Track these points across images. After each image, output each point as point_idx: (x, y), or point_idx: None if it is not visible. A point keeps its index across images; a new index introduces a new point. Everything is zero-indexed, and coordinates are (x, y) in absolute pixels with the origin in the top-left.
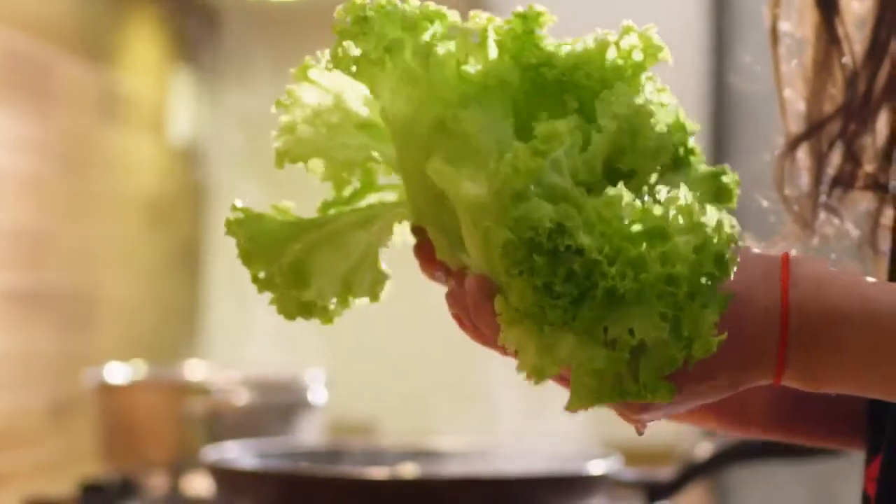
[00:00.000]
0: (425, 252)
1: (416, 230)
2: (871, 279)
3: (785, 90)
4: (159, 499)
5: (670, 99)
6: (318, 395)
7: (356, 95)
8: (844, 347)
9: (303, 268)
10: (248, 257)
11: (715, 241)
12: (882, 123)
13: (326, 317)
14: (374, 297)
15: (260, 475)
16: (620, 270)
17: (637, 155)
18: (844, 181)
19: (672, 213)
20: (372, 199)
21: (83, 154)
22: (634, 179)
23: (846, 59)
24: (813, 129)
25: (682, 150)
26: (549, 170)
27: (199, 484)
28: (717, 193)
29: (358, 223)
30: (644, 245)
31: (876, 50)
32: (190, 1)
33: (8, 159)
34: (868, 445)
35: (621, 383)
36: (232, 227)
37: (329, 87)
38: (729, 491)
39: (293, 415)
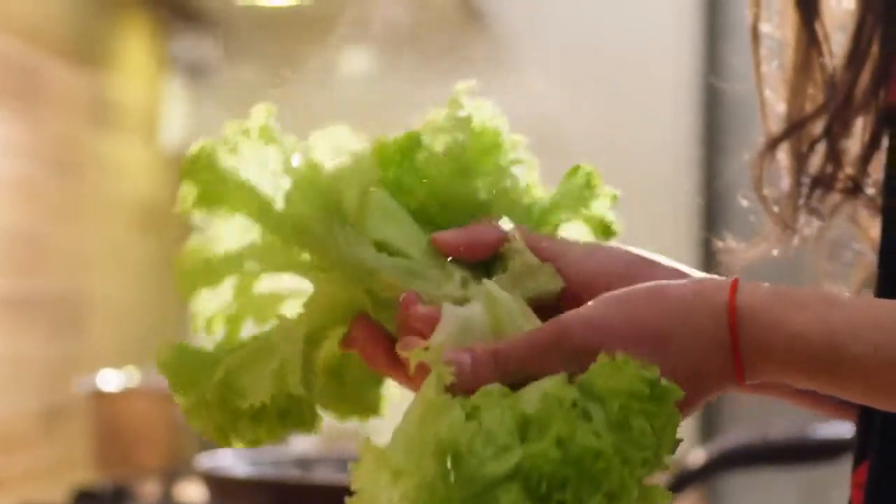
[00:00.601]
0: (369, 357)
1: (346, 344)
2: (816, 314)
3: (765, 91)
4: None
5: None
6: None
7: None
8: (804, 382)
9: (234, 379)
10: (177, 389)
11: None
12: (863, 126)
13: (252, 438)
14: (311, 426)
15: (253, 482)
16: None
17: (497, 154)
18: (825, 182)
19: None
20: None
21: (74, 159)
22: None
23: (825, 61)
24: (792, 129)
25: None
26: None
27: (192, 491)
28: (587, 185)
29: (280, 332)
30: (585, 480)
31: (857, 54)
32: (181, 6)
33: None
34: (856, 450)
35: None
36: (161, 369)
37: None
38: (723, 498)
39: None
